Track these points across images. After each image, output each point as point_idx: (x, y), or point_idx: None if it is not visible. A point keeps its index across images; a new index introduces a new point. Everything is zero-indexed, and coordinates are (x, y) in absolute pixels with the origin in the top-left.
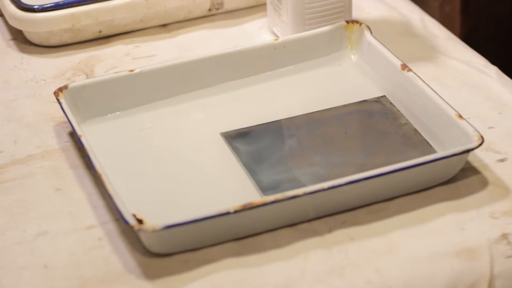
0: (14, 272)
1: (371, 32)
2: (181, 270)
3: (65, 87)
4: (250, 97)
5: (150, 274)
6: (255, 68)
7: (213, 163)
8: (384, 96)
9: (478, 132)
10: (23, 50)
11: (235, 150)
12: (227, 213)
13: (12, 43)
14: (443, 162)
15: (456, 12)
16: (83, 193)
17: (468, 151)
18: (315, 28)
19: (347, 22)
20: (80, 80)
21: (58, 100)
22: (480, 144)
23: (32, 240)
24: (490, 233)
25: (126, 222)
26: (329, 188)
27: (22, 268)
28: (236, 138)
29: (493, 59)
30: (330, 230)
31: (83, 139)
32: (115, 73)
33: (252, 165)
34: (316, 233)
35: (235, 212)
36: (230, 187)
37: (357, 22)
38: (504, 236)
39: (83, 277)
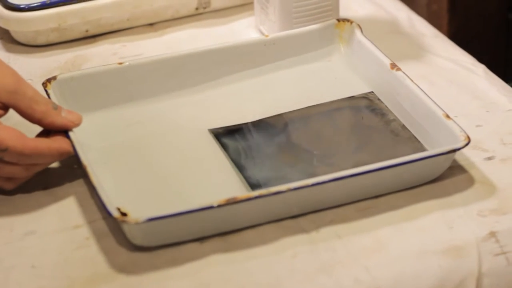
0: (2, 272)
1: (361, 31)
2: (168, 268)
3: (54, 78)
4: (238, 93)
5: (137, 273)
6: (243, 64)
7: (201, 159)
8: (372, 92)
9: (465, 132)
10: (9, 50)
11: (224, 147)
12: (211, 207)
13: None
14: (430, 161)
15: (444, 10)
16: (70, 191)
17: (454, 151)
18: (302, 27)
19: (338, 20)
20: (69, 72)
21: (46, 91)
22: (467, 144)
23: (20, 239)
24: (478, 231)
25: (109, 213)
26: (313, 185)
27: (10, 268)
28: (225, 134)
29: (481, 57)
30: (317, 228)
31: (70, 133)
32: (104, 65)
33: (240, 162)
34: (303, 231)
35: (219, 206)
36: (218, 183)
37: (348, 20)
38: (492, 234)
39: (70, 276)
